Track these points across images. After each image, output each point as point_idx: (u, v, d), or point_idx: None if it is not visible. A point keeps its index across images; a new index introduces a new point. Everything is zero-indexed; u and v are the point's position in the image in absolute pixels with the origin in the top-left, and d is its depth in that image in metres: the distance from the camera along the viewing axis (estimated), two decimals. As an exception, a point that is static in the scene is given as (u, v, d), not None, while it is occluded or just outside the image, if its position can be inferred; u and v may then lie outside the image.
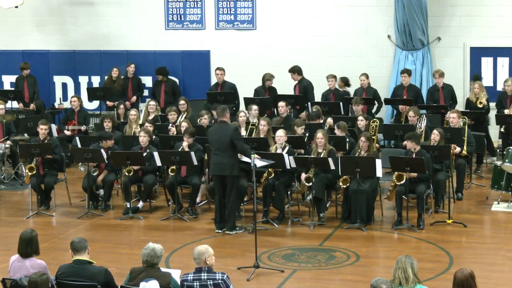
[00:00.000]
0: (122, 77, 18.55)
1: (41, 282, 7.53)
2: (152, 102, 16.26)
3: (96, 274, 7.95)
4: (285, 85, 17.26)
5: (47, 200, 13.80)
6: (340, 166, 12.42)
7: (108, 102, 17.93)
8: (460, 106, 16.26)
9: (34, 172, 13.47)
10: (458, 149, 13.65)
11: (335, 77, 16.89)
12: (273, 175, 12.82)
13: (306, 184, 12.60)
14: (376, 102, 16.67)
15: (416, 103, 16.15)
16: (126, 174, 13.30)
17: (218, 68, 17.32)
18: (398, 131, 14.46)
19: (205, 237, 12.13)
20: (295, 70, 17.02)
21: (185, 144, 13.38)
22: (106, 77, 18.55)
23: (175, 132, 14.79)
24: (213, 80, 18.59)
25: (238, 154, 12.15)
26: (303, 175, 12.73)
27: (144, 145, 13.68)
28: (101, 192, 13.94)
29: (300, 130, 14.05)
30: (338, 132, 13.78)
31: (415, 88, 16.87)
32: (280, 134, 13.12)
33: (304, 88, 16.98)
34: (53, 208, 13.75)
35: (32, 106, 17.67)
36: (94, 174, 13.68)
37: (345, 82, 17.40)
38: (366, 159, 12.45)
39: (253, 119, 15.08)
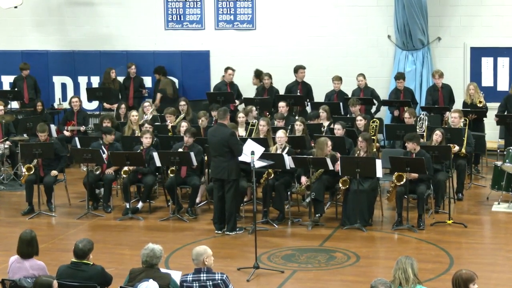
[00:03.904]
0: (124, 77, 18.55)
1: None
2: (147, 103, 16.25)
3: (94, 275, 7.95)
4: (285, 85, 17.28)
5: (48, 200, 13.78)
6: (340, 167, 12.41)
7: (105, 104, 17.87)
8: (459, 106, 16.21)
9: (32, 172, 13.47)
10: (456, 147, 13.65)
11: (340, 79, 16.87)
12: (272, 175, 12.80)
13: (307, 191, 12.59)
14: (375, 101, 16.67)
15: (412, 104, 16.18)
16: (124, 176, 13.30)
17: (231, 68, 17.30)
18: (400, 131, 14.40)
19: (204, 238, 12.13)
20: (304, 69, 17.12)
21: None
22: (102, 78, 18.51)
23: (170, 127, 14.83)
24: (213, 80, 18.58)
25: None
26: (303, 179, 12.72)
27: (146, 147, 13.65)
28: (102, 191, 13.94)
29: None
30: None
31: (409, 90, 16.88)
32: (281, 135, 13.09)
33: (308, 89, 17.05)
34: (53, 208, 13.74)
35: (38, 106, 17.56)
36: (97, 172, 13.67)
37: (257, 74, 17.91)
38: (366, 160, 12.44)
39: (252, 119, 15.07)
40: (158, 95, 18.10)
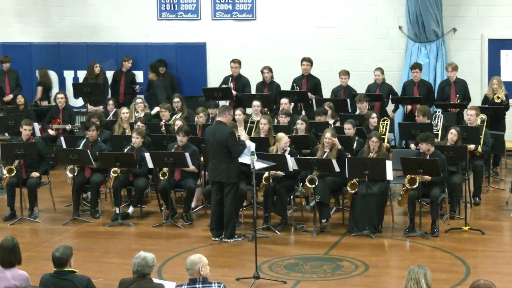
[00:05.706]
0: (114, 71, 18.55)
1: None
2: (139, 100, 16.22)
3: (79, 285, 7.94)
4: (287, 80, 17.28)
5: (31, 205, 13.77)
6: (348, 168, 12.40)
7: (89, 106, 17.72)
8: (477, 103, 16.19)
9: (14, 174, 13.47)
10: (472, 146, 13.64)
11: (348, 73, 16.85)
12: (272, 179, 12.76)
13: (310, 186, 12.55)
14: (391, 99, 16.59)
15: (428, 101, 16.13)
16: (114, 175, 13.28)
17: (233, 61, 17.29)
18: (415, 131, 14.29)
19: (200, 245, 12.13)
20: (311, 62, 17.02)
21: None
22: (86, 73, 18.46)
23: (164, 128, 14.84)
24: (209, 74, 18.60)
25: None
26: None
27: (137, 147, 13.66)
28: (89, 195, 13.94)
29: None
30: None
31: (427, 83, 16.80)
32: (287, 140, 12.95)
33: (315, 84, 16.98)
34: (36, 213, 13.74)
35: (19, 100, 17.49)
36: (75, 174, 13.63)
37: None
38: (375, 161, 12.43)
39: (255, 116, 15.05)
40: (39, 88, 18.82)
